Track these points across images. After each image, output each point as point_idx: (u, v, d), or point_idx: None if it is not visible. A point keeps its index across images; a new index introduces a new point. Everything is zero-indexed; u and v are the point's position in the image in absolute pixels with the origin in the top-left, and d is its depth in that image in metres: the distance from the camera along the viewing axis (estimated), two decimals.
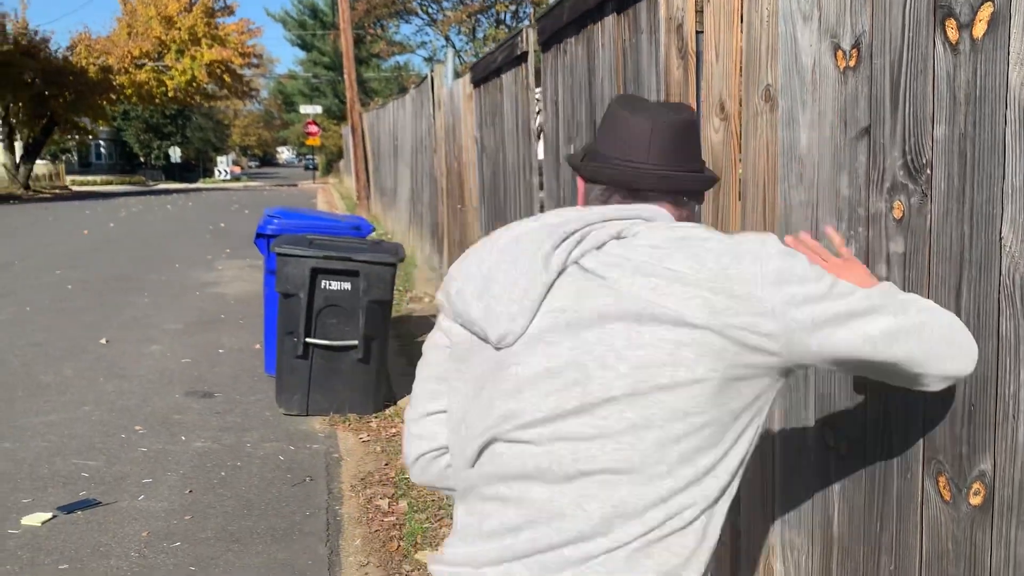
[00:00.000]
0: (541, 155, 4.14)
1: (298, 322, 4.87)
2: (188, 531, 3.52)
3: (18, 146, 37.13)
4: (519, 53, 4.25)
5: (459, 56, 19.22)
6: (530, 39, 4.06)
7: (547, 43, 3.77)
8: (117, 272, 10.63)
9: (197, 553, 3.34)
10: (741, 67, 1.90)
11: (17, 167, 36.26)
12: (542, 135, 4.11)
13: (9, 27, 33.84)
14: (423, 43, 29.10)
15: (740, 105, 1.93)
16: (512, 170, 4.74)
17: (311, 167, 55.91)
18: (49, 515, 3.64)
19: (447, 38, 26.57)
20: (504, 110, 4.83)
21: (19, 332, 7.14)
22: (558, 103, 3.60)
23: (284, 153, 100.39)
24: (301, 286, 4.84)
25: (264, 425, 4.87)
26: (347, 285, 4.93)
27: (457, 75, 7.52)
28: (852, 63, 1.49)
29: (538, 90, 4.26)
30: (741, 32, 1.88)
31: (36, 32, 35.29)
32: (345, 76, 18.61)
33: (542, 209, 4.22)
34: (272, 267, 5.24)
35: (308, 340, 4.90)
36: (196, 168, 61.86)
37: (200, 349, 6.59)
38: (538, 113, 4.30)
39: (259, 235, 5.67)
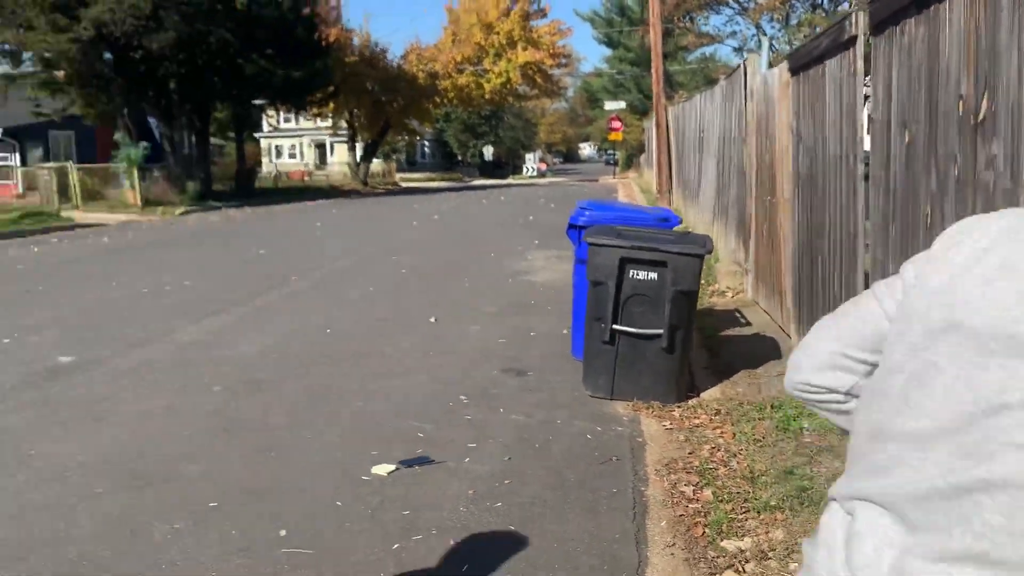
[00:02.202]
0: (867, 144, 3.93)
1: (606, 309, 5.06)
2: (508, 494, 3.85)
3: (359, 147, 42.05)
4: (847, 38, 4.06)
5: (772, 45, 18.50)
6: (860, 23, 3.87)
7: (879, 26, 3.57)
8: (442, 260, 11.72)
9: (516, 515, 3.64)
10: None
11: (358, 165, 41.09)
12: (869, 123, 3.89)
13: (356, 41, 38.38)
14: (732, 33, 28.40)
15: None
16: (832, 160, 4.54)
17: (611, 162, 56.99)
18: (393, 467, 4.17)
19: (758, 26, 25.73)
20: (826, 98, 4.63)
21: (365, 309, 8.18)
22: (891, 88, 3.40)
23: (585, 149, 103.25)
24: (610, 275, 5.04)
25: (572, 404, 5.14)
26: (654, 275, 5.03)
27: (770, 64, 7.31)
28: None
29: (867, 77, 4.04)
30: None
31: (377, 44, 39.70)
32: (652, 71, 18.76)
33: (866, 201, 4.00)
34: (582, 256, 5.50)
35: (615, 327, 5.08)
36: (506, 165, 65.77)
37: (514, 331, 7.09)
38: (866, 100, 4.08)
39: (571, 226, 5.95)
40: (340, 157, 50.88)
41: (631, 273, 5.05)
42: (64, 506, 3.75)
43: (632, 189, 29.25)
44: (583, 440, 4.56)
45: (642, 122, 44.20)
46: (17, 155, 31.56)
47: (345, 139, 44.64)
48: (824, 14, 23.21)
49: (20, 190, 27.68)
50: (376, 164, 46.14)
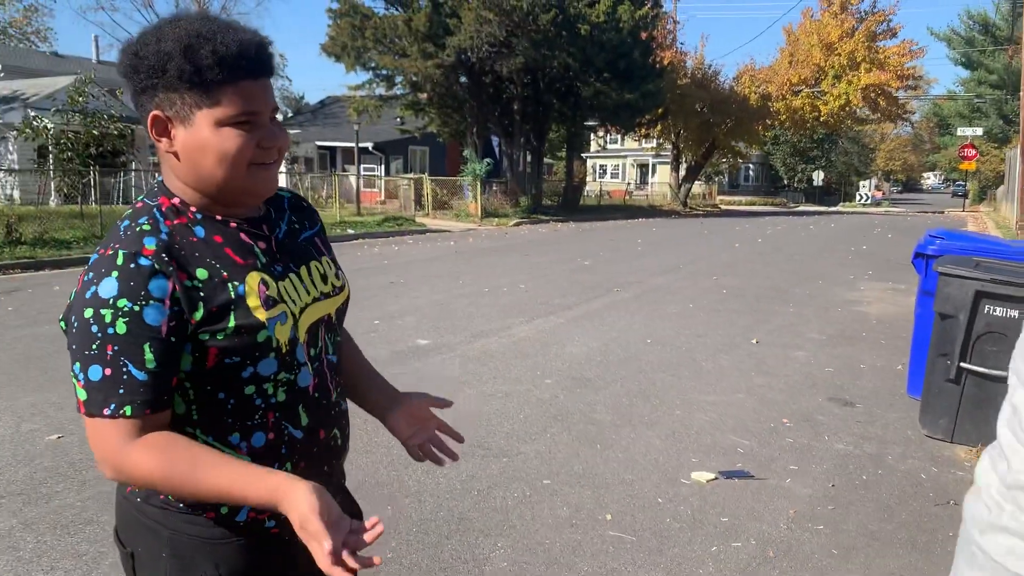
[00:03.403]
0: None
1: (954, 345, 4.73)
2: (831, 519, 3.78)
3: (681, 168, 42.24)
4: None
5: None
6: None
7: None
8: (766, 283, 11.50)
9: (838, 540, 3.57)
10: None
11: (679, 186, 41.30)
12: None
13: (689, 63, 38.66)
14: None
15: None
16: None
17: (961, 194, 51.44)
18: (712, 475, 4.27)
19: None
20: None
21: (684, 324, 8.33)
22: None
23: (930, 179, 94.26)
24: (962, 308, 4.70)
25: (905, 442, 4.87)
26: (1015, 313, 4.61)
27: None
28: None
29: None
30: None
31: (709, 66, 39.62)
32: (1021, 94, 16.74)
33: None
34: (928, 288, 5.18)
35: (963, 365, 4.73)
36: (836, 192, 62.11)
37: (842, 361, 6.81)
38: None
39: (917, 254, 5.61)
40: (661, 177, 51.50)
41: (987, 308, 4.67)
42: (425, 464, 4.35)
43: (985, 223, 26.21)
44: (916, 479, 4.31)
45: (1001, 151, 39.41)
46: (382, 167, 36.14)
47: (667, 160, 45.13)
48: None
49: (382, 197, 31.69)
50: (697, 185, 46.03)
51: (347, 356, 1.58)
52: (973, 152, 37.96)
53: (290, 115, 44.53)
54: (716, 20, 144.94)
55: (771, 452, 4.66)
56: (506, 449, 4.61)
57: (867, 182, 61.89)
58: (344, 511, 1.49)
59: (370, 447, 4.55)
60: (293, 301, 1.32)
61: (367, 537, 1.16)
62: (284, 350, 1.28)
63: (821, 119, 38.37)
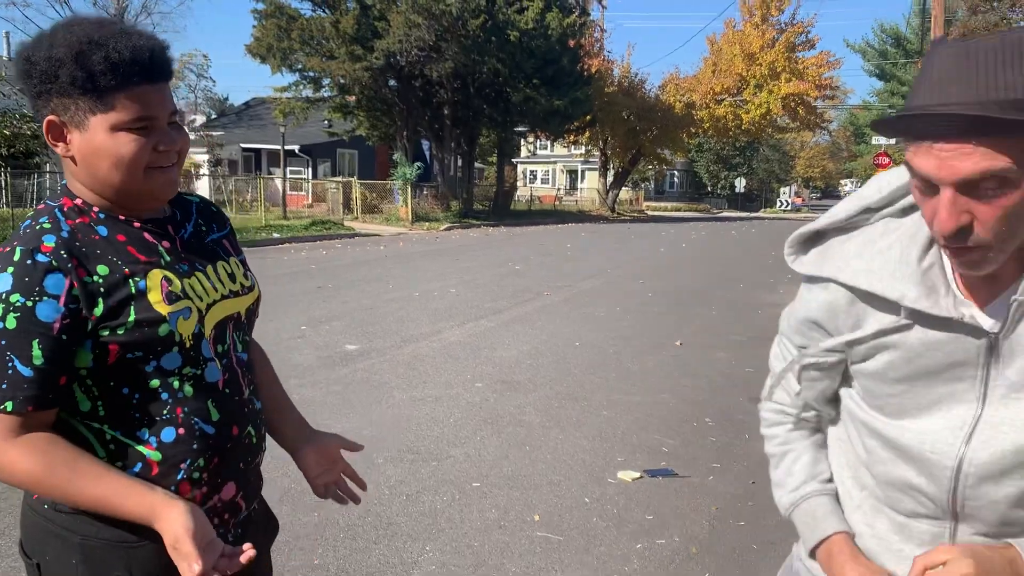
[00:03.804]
0: None
1: None
2: (752, 515, 3.90)
3: (609, 174, 42.88)
4: None
5: None
6: None
7: None
8: (689, 286, 11.77)
9: (758, 535, 3.69)
10: None
11: (607, 192, 41.90)
12: None
13: (616, 71, 39.28)
14: None
15: None
16: None
17: None
18: (637, 474, 4.36)
19: None
20: None
21: (612, 326, 8.46)
22: None
23: (847, 185, 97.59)
24: None
25: None
26: None
27: None
28: None
29: None
30: None
31: (636, 75, 40.37)
32: None
33: None
34: None
35: None
36: (758, 198, 63.85)
37: (761, 361, 6.92)
38: None
39: None
40: (590, 184, 52.16)
41: None
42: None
43: None
44: None
45: None
46: (309, 170, 35.64)
47: (596, 166, 45.72)
48: None
49: (309, 200, 31.25)
50: (624, 191, 46.77)
51: (264, 384, 1.58)
52: (887, 160, 39.44)
53: (214, 117, 43.55)
54: (642, 29, 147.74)
55: (694, 451, 4.78)
56: (436, 453, 4.61)
57: (787, 189, 63.74)
58: (259, 519, 1.49)
59: None
60: (199, 298, 1.32)
61: (242, 559, 1.20)
62: (188, 344, 1.28)
63: (743, 127, 39.47)
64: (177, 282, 1.30)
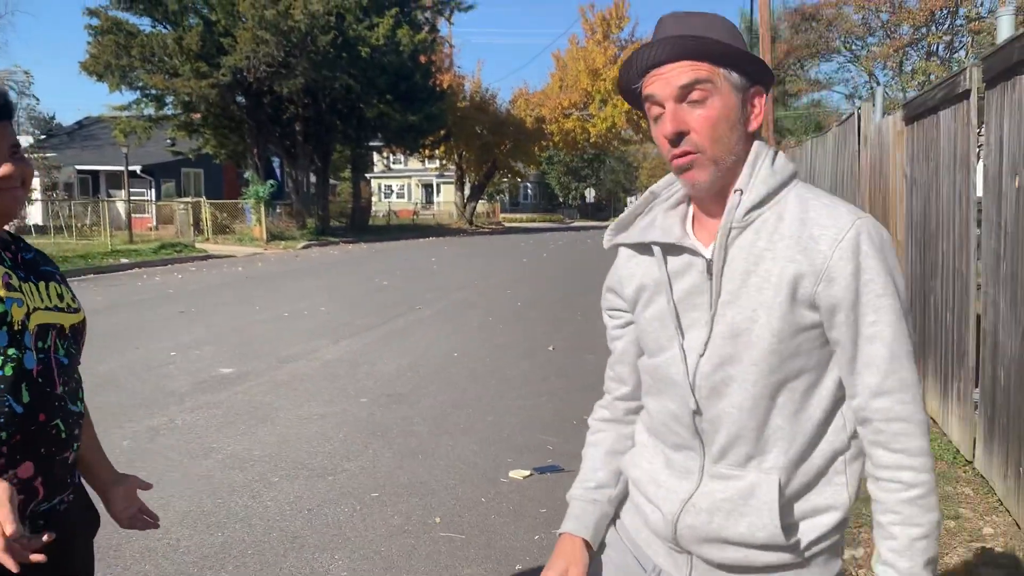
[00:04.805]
0: (980, 191, 4.21)
1: None
2: None
3: (466, 188, 43.37)
4: (960, 91, 4.37)
5: (885, 92, 18.44)
6: (974, 77, 4.18)
7: (993, 80, 3.88)
8: (554, 294, 12.23)
9: None
10: None
11: (464, 205, 42.36)
12: (981, 170, 4.18)
13: (467, 87, 39.84)
14: (844, 80, 28.38)
15: None
16: (946, 203, 4.81)
17: None
18: (528, 472, 4.62)
19: (871, 74, 25.53)
20: (940, 145, 4.92)
21: (486, 335, 8.73)
22: (1003, 139, 3.71)
23: None
24: None
25: None
26: None
27: (884, 112, 7.56)
28: None
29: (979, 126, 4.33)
30: None
31: (487, 90, 41.10)
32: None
33: (978, 242, 4.28)
34: None
35: None
36: (607, 207, 66.22)
37: None
38: (979, 148, 4.36)
39: None
40: (446, 197, 52.54)
41: None
42: (249, 489, 4.36)
43: None
44: None
45: None
46: (152, 191, 34.05)
47: (451, 180, 46.19)
48: (939, 61, 22.90)
49: (154, 223, 29.88)
50: (481, 204, 47.39)
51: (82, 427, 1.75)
52: None
53: (43, 138, 40.76)
54: (490, 45, 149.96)
55: (575, 447, 5.06)
56: (330, 467, 4.70)
57: (633, 198, 66.51)
58: (74, 513, 1.66)
59: (188, 478, 4.48)
60: (30, 298, 1.53)
61: (45, 538, 1.38)
62: (16, 327, 1.46)
63: (591, 140, 40.98)
64: (15, 280, 1.51)
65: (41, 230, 26.55)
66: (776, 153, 1.37)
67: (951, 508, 3.87)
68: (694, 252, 1.36)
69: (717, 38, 1.29)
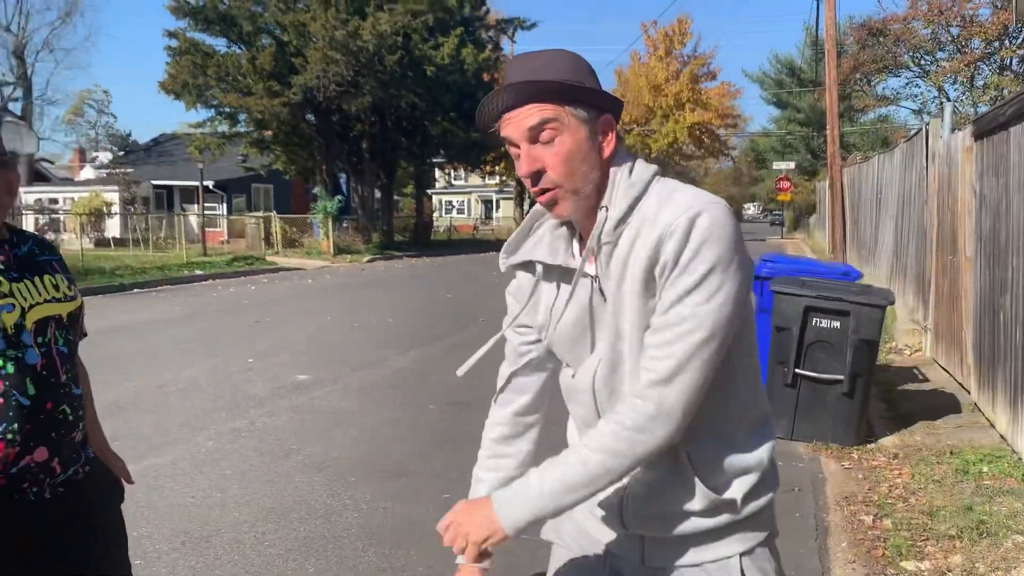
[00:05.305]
0: None
1: (789, 354, 5.47)
2: None
3: (525, 203, 43.63)
4: None
5: (955, 107, 18.08)
6: None
7: None
8: None
9: None
10: None
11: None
12: None
13: None
14: (913, 95, 27.84)
15: None
16: (1016, 221, 4.81)
17: (778, 223, 55.91)
18: None
19: (940, 89, 25.04)
20: (1011, 162, 4.92)
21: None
22: None
23: (750, 209, 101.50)
24: (794, 321, 5.45)
25: None
26: (837, 324, 5.40)
27: (953, 127, 7.51)
28: None
29: None
30: None
31: None
32: (828, 132, 18.76)
33: None
34: (764, 305, 5.93)
35: (797, 371, 5.47)
36: None
37: None
38: None
39: (755, 277, 6.39)
40: (505, 212, 52.90)
41: (814, 321, 5.45)
42: (328, 488, 4.59)
43: (802, 249, 28.76)
44: None
45: (810, 183, 43.37)
46: (224, 205, 35.16)
47: (510, 196, 46.51)
48: (1012, 75, 22.34)
49: (226, 236, 30.85)
50: None
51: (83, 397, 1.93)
52: (788, 184, 41.53)
53: (121, 154, 42.48)
54: None
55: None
56: (403, 469, 4.90)
57: None
58: (97, 481, 1.87)
59: (270, 476, 4.72)
60: (24, 298, 1.70)
61: None
62: (10, 332, 1.64)
63: (652, 155, 40.87)
64: (7, 284, 1.68)
65: (120, 242, 27.69)
66: (634, 162, 1.44)
67: (1022, 524, 3.87)
68: (581, 271, 1.45)
69: (556, 77, 1.35)
